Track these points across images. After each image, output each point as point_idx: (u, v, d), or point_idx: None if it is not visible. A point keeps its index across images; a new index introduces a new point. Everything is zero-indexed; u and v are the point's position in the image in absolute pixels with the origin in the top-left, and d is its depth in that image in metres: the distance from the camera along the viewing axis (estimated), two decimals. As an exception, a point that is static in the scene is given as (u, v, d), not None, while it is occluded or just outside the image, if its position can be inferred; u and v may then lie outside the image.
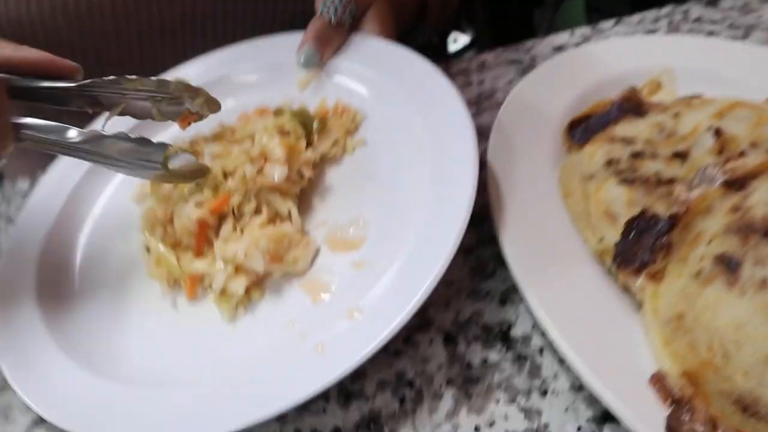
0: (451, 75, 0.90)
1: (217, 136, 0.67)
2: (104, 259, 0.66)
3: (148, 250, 0.62)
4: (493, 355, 0.53)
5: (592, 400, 0.49)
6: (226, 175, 0.60)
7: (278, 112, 0.67)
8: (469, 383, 0.51)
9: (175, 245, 0.61)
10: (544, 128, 0.72)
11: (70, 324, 0.60)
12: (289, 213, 0.60)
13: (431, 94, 0.65)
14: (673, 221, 0.54)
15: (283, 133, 0.63)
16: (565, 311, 0.50)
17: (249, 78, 0.77)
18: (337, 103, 0.71)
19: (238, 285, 0.55)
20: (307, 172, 0.63)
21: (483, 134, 0.79)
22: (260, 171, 0.60)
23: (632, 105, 0.74)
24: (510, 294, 0.58)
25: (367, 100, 0.70)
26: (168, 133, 0.75)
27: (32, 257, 0.65)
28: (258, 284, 0.57)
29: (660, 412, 0.44)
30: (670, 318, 0.49)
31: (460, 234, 0.50)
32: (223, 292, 0.56)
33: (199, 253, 0.59)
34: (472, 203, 0.52)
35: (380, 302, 0.49)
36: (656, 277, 0.52)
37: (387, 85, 0.69)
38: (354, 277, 0.55)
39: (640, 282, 0.53)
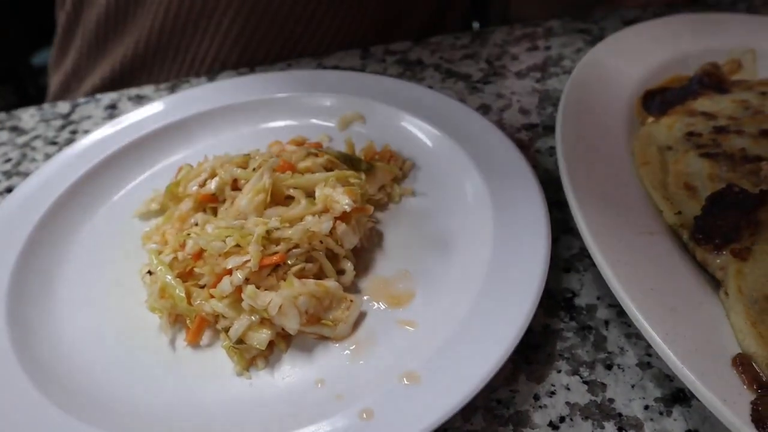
0: (516, 39, 0.87)
1: (243, 162, 0.58)
2: (93, 277, 0.55)
3: (150, 273, 0.52)
4: (555, 323, 0.50)
5: (661, 379, 0.46)
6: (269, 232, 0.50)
7: (322, 152, 0.59)
8: (528, 349, 0.48)
9: (185, 275, 0.51)
10: (615, 97, 0.68)
11: (44, 351, 0.49)
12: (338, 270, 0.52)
13: (496, 157, 0.59)
14: (764, 198, 0.50)
15: (346, 183, 0.55)
16: (640, 283, 0.46)
17: (284, 106, 0.72)
18: (386, 147, 0.64)
19: (261, 338, 0.46)
20: (369, 224, 0.56)
21: (549, 99, 0.75)
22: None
23: (713, 81, 0.70)
24: (573, 262, 0.55)
25: (418, 153, 0.65)
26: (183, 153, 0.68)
27: (7, 263, 0.54)
28: (285, 336, 0.48)
29: (743, 396, 0.40)
30: (756, 298, 0.45)
31: (529, 315, 0.44)
32: (240, 342, 0.47)
33: (214, 285, 0.49)
34: (544, 281, 0.47)
35: (439, 368, 0.42)
36: (741, 254, 0.48)
37: (443, 141, 0.64)
38: (402, 337, 0.47)
39: (721, 259, 0.49)
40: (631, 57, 0.74)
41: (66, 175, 0.62)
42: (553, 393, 0.45)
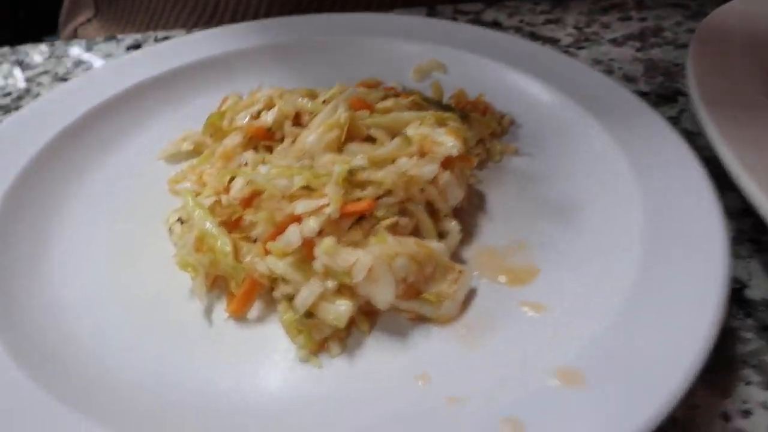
0: (603, 9, 0.75)
1: (310, 94, 0.47)
2: (101, 228, 0.42)
3: (181, 221, 0.40)
4: (728, 320, 0.37)
5: None
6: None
7: (405, 93, 0.48)
8: (701, 351, 0.35)
9: (230, 225, 0.38)
10: (750, 62, 0.57)
11: (35, 324, 0.35)
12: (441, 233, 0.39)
13: (622, 113, 0.47)
14: None
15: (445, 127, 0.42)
16: None
17: (345, 50, 0.59)
18: (479, 97, 0.52)
19: (339, 312, 0.33)
20: (470, 180, 0.44)
21: (656, 68, 0.64)
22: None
23: None
24: (733, 247, 0.42)
25: (517, 108, 0.52)
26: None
27: None
28: (368, 313, 0.35)
29: None
30: None
31: (721, 305, 0.32)
32: (308, 316, 0.34)
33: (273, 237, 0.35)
34: (728, 262, 0.35)
35: (607, 368, 0.30)
36: None
37: (550, 95, 0.52)
38: (530, 324, 0.35)
39: None
40: (758, 19, 0.64)
41: (73, 106, 0.50)
42: (747, 412, 0.32)
